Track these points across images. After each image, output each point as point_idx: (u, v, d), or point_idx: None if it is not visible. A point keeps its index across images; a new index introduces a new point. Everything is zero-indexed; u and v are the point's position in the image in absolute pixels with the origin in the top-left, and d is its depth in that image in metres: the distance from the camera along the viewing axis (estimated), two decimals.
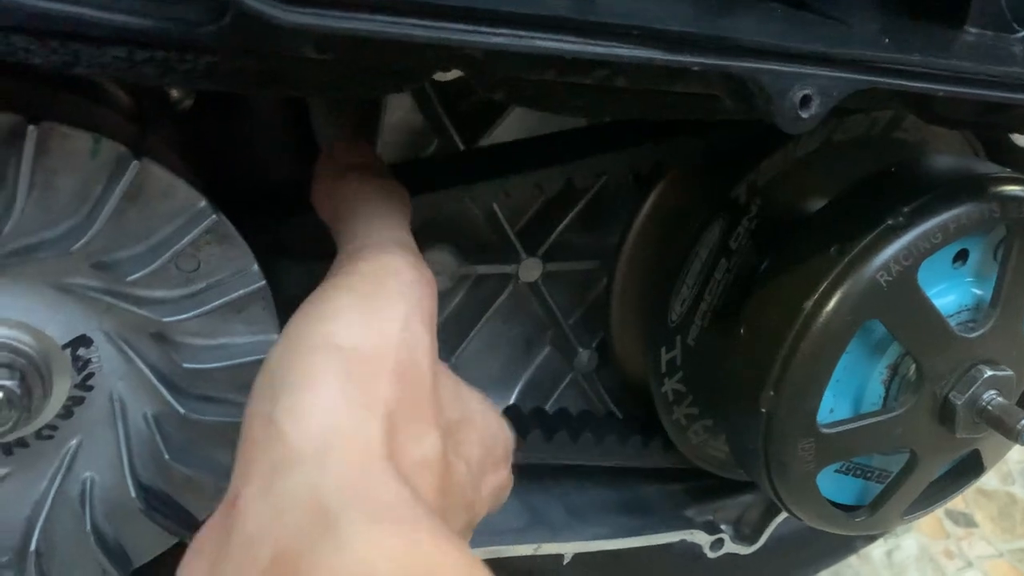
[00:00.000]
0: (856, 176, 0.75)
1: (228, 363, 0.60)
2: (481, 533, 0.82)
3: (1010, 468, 1.85)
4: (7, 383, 0.54)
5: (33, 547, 0.60)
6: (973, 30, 0.55)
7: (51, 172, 0.52)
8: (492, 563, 1.05)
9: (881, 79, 0.51)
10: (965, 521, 1.81)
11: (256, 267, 0.59)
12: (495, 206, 0.81)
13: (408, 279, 0.48)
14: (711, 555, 0.95)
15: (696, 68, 0.47)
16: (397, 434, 0.41)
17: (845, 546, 1.40)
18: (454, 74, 0.49)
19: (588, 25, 0.45)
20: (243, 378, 0.61)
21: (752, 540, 0.97)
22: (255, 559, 0.36)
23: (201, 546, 0.40)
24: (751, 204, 0.79)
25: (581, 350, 0.93)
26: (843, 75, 0.50)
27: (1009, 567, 1.73)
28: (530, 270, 0.85)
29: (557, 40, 0.44)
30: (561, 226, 0.85)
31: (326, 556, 0.35)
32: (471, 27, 0.42)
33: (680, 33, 0.46)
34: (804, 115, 0.50)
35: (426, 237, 0.81)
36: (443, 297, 0.86)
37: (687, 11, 0.48)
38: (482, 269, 0.84)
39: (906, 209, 0.68)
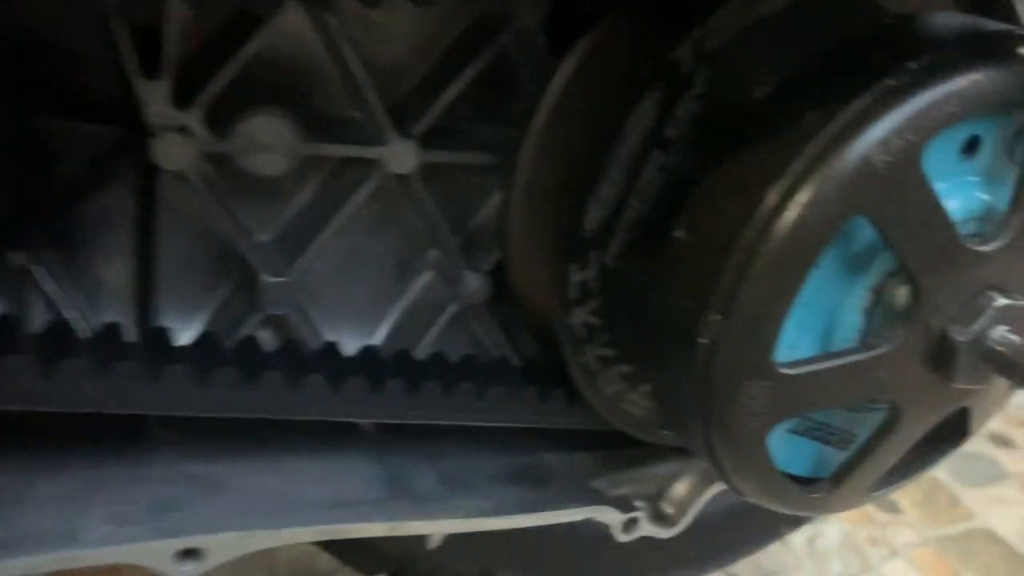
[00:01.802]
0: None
1: None
2: (318, 506, 0.61)
3: None
4: None
5: None
6: None
7: None
8: (344, 543, 0.83)
9: None
10: (889, 507, 1.71)
11: None
12: (349, 56, 0.59)
13: None
14: (622, 538, 0.75)
15: None
16: None
17: (768, 532, 1.25)
18: None
19: None
20: None
21: (673, 521, 0.78)
22: None
23: None
24: (695, 76, 0.59)
25: (470, 274, 0.72)
26: None
27: (934, 555, 1.63)
28: (402, 157, 0.64)
29: None
30: (446, 97, 0.63)
31: None
32: None
33: None
34: None
35: (254, 96, 0.59)
36: (282, 188, 0.64)
37: None
38: (333, 150, 0.62)
39: (913, 66, 0.49)
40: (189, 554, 0.55)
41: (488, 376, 0.67)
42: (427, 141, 0.65)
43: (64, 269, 0.61)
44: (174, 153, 0.56)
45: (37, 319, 0.61)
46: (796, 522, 1.22)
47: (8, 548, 0.51)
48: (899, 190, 0.49)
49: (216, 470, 0.61)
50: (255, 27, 0.55)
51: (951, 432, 0.66)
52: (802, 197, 0.49)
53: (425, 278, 0.73)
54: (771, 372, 0.52)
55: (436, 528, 0.65)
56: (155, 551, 0.54)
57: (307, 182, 0.65)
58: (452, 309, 0.73)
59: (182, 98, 0.56)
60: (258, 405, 0.57)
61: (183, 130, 0.56)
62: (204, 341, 0.59)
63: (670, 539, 0.80)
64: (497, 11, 0.62)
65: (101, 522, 0.54)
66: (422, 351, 0.72)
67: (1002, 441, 1.78)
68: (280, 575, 1.27)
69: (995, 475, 1.75)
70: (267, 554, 1.30)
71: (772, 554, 1.58)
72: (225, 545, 0.56)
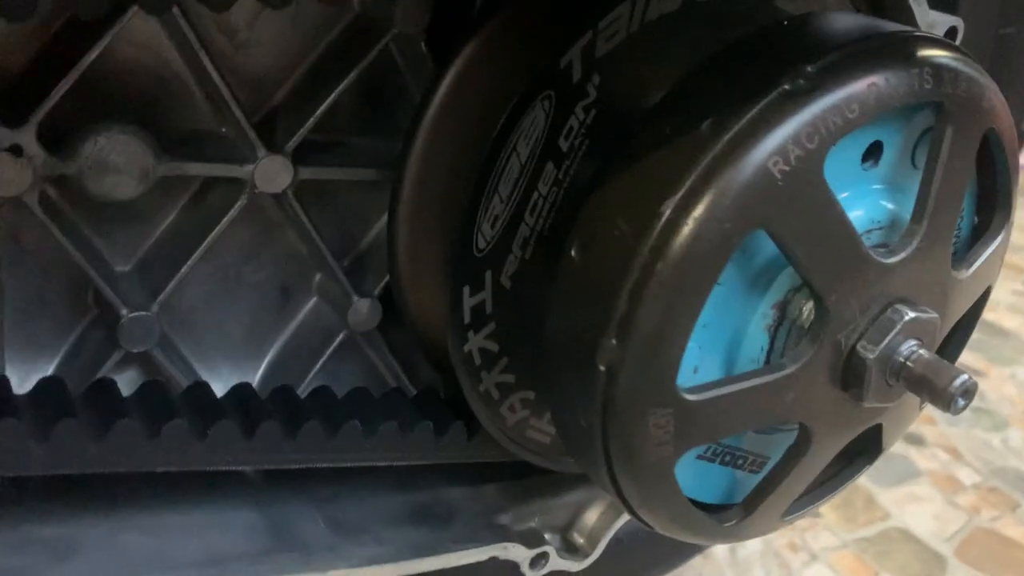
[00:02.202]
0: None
1: None
2: (190, 565, 0.55)
3: None
4: None
5: None
6: None
7: None
8: None
9: None
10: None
11: None
12: (208, 66, 0.53)
13: None
14: (532, 574, 0.71)
15: None
16: None
17: (690, 546, 1.22)
18: None
19: None
20: None
21: (585, 553, 0.74)
22: None
23: None
24: (587, 83, 0.55)
25: (358, 299, 0.67)
26: None
27: (853, 557, 1.64)
28: (273, 174, 0.58)
29: None
30: (320, 109, 0.58)
31: None
32: None
33: None
34: None
35: (99, 113, 0.53)
36: (143, 213, 0.58)
37: None
38: (195, 169, 0.56)
39: (810, 69, 0.46)
40: None
41: (379, 411, 0.62)
42: (301, 157, 0.59)
43: None
44: (6, 176, 0.50)
45: None
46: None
47: None
48: (800, 201, 0.46)
49: (69, 532, 0.54)
50: (94, 35, 0.49)
51: (864, 448, 0.63)
52: (698, 211, 0.45)
53: (309, 305, 0.67)
54: (675, 397, 0.49)
55: None
56: None
57: (169, 205, 0.59)
58: (340, 338, 0.68)
59: (13, 116, 0.49)
60: (112, 458, 0.51)
61: (15, 150, 0.49)
62: (48, 387, 0.52)
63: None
64: (374, 16, 0.57)
65: None
66: (307, 386, 0.66)
67: (913, 440, 1.80)
68: None
69: (909, 474, 1.77)
70: None
71: (694, 566, 1.56)
72: None
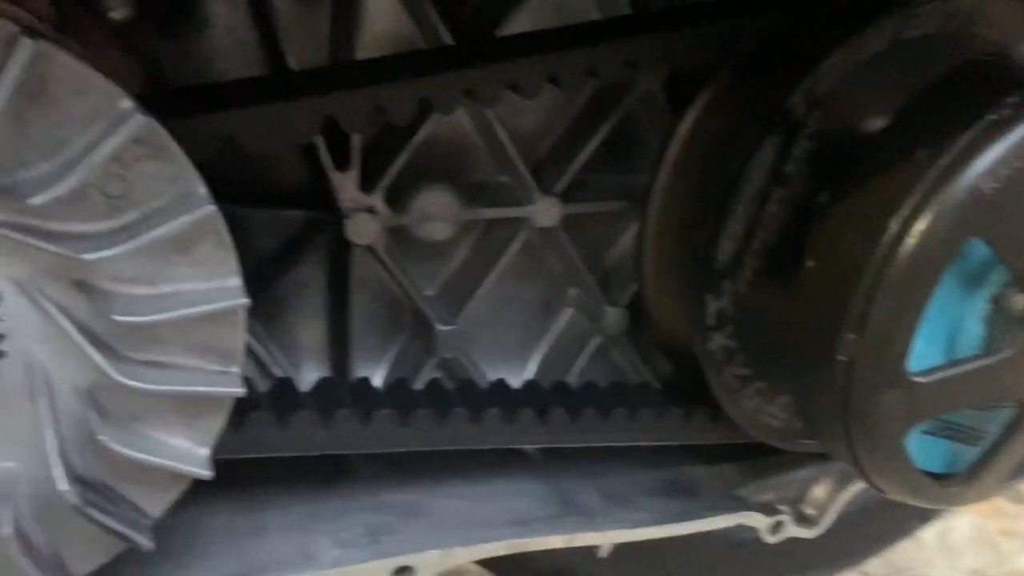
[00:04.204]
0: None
1: (174, 315, 0.47)
2: (503, 524, 0.70)
3: None
4: None
5: None
6: None
7: None
8: (513, 560, 0.92)
9: None
10: (1019, 498, 1.69)
11: (203, 189, 0.46)
12: (499, 130, 0.68)
13: None
14: (770, 540, 0.82)
15: None
16: None
17: (897, 529, 1.28)
18: None
19: None
20: (195, 336, 0.48)
21: (815, 522, 0.83)
22: None
23: None
24: (808, 118, 0.66)
25: (609, 308, 0.80)
26: None
27: None
28: (546, 213, 0.72)
29: None
30: (582, 155, 0.72)
31: None
32: None
33: None
34: None
35: (422, 175, 0.69)
36: (445, 248, 0.74)
37: None
38: (490, 213, 0.71)
39: (1011, 100, 0.55)
40: (403, 571, 0.64)
41: (638, 399, 0.75)
42: (567, 196, 0.73)
43: (273, 334, 0.72)
44: (363, 230, 0.66)
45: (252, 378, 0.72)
46: (925, 518, 1.26)
47: (258, 573, 0.61)
48: (1010, 211, 0.55)
49: (412, 498, 0.70)
50: (424, 118, 0.65)
51: None
52: (920, 226, 0.55)
53: (567, 316, 0.81)
54: (905, 381, 0.59)
55: (606, 539, 0.73)
56: (376, 570, 0.63)
57: (464, 241, 0.75)
58: (594, 341, 0.81)
59: (367, 183, 0.66)
60: (448, 437, 0.67)
61: (370, 210, 0.66)
62: (397, 386, 0.69)
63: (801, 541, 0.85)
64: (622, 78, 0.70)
65: (330, 547, 0.64)
66: (573, 381, 0.80)
67: None
68: None
69: None
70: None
71: (904, 551, 1.58)
72: (430, 562, 0.65)
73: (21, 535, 0.49)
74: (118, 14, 0.57)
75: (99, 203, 0.44)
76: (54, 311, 0.47)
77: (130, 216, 0.45)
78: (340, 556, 0.63)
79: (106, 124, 0.43)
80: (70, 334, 0.47)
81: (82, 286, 0.46)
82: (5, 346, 0.47)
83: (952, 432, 0.68)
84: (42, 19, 0.50)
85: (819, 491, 0.84)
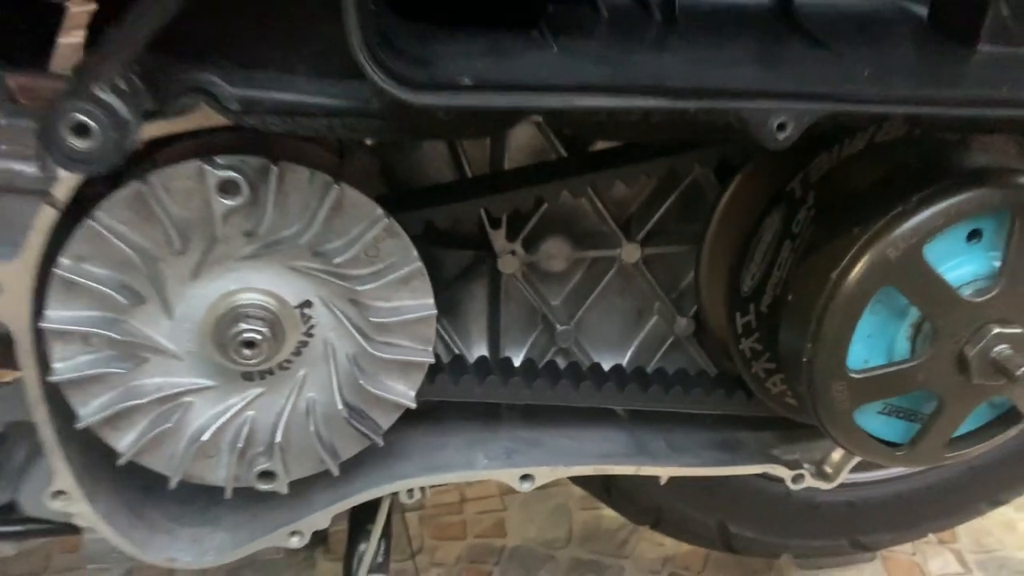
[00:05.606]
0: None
1: (400, 318, 0.89)
2: (593, 456, 1.07)
3: None
4: (263, 330, 0.85)
5: (278, 440, 0.91)
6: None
7: (285, 194, 0.82)
8: (623, 495, 1.27)
9: (842, 107, 0.71)
10: None
11: (415, 253, 0.87)
12: (597, 201, 1.05)
13: None
14: (794, 487, 1.14)
15: (693, 110, 0.69)
16: None
17: (964, 507, 1.49)
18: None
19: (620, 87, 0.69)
20: (409, 329, 0.89)
21: (832, 478, 1.14)
22: None
23: None
24: (806, 196, 0.98)
25: (680, 318, 1.15)
26: (810, 106, 0.71)
27: None
28: (630, 253, 1.09)
29: (596, 98, 0.69)
30: (656, 216, 1.07)
31: None
32: (531, 95, 0.67)
33: (680, 88, 0.69)
34: (781, 137, 0.71)
35: (546, 230, 1.07)
36: (563, 276, 1.12)
37: (688, 68, 0.70)
38: (591, 253, 1.09)
39: (914, 198, 0.86)
40: (526, 477, 1.03)
41: (692, 382, 1.10)
42: (646, 241, 1.09)
43: (452, 327, 1.12)
44: (508, 265, 1.06)
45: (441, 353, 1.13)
46: (995, 501, 1.48)
47: (443, 469, 1.02)
48: (909, 271, 0.86)
49: (536, 435, 1.09)
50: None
51: (1009, 417, 0.98)
52: (852, 276, 0.87)
53: (651, 321, 1.17)
54: (846, 375, 0.90)
55: (664, 472, 1.08)
56: (510, 475, 1.03)
57: (577, 271, 1.12)
58: (669, 340, 1.17)
59: (511, 235, 1.05)
60: (557, 397, 1.05)
61: (513, 253, 1.05)
62: (527, 364, 1.08)
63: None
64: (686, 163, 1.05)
65: (483, 459, 1.04)
66: (651, 369, 1.16)
67: None
68: (576, 533, 1.70)
69: None
70: (565, 516, 1.74)
71: (995, 534, 1.75)
72: (543, 473, 1.04)
73: (317, 433, 0.93)
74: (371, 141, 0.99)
75: (364, 261, 0.86)
76: (339, 314, 0.89)
77: (379, 266, 0.86)
78: (488, 464, 1.03)
79: (368, 223, 0.84)
80: (347, 326, 0.89)
81: (354, 302, 0.88)
82: (315, 332, 0.90)
83: (904, 414, 0.99)
84: (328, 147, 0.93)
85: (836, 455, 1.15)
